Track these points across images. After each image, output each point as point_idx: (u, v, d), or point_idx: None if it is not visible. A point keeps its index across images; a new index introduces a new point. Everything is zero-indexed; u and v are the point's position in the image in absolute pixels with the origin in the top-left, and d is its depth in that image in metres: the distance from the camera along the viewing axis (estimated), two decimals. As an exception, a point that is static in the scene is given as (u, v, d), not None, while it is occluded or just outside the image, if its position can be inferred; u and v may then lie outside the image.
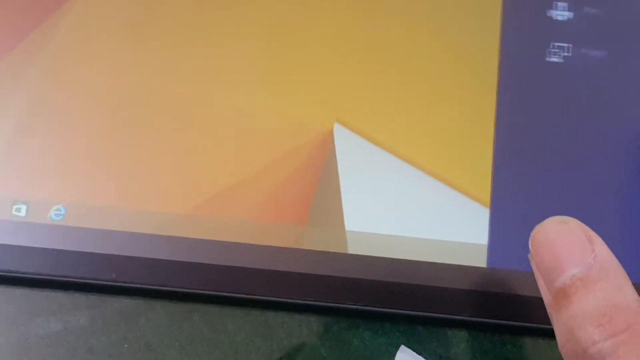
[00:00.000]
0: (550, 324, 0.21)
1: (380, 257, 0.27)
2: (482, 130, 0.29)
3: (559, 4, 0.30)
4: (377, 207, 0.28)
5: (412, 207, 0.28)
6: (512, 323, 0.27)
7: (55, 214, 0.28)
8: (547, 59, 0.29)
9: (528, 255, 0.21)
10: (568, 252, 0.20)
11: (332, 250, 0.28)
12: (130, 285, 0.28)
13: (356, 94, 0.29)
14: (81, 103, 0.29)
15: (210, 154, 0.29)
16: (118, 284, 0.27)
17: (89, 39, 0.30)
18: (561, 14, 0.29)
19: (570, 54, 0.29)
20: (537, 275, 0.21)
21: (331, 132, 0.29)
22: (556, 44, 0.29)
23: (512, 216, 0.28)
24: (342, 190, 0.28)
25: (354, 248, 0.28)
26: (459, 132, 0.29)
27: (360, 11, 0.30)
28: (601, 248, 0.20)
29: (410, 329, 0.28)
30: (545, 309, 0.21)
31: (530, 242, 0.21)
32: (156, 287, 0.28)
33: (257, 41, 0.30)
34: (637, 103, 0.29)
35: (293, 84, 0.29)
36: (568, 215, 0.21)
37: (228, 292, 0.27)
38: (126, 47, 0.30)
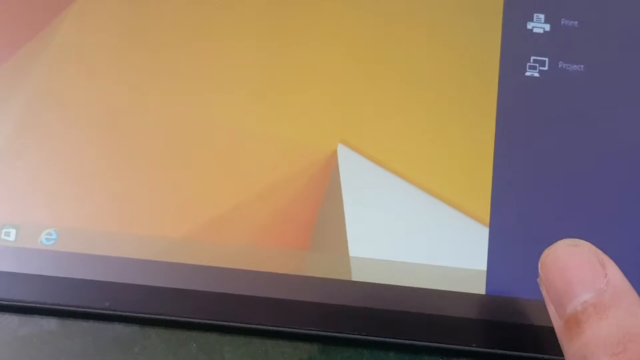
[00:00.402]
0: (554, 354, 0.20)
1: (383, 285, 0.26)
2: (483, 148, 0.28)
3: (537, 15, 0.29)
4: (382, 232, 0.27)
5: (415, 230, 0.27)
6: (515, 353, 0.26)
7: (47, 239, 0.27)
8: (525, 73, 0.28)
9: (537, 280, 0.21)
10: (579, 277, 0.20)
11: (335, 277, 0.26)
12: (125, 313, 0.26)
13: (361, 112, 0.28)
14: (73, 124, 0.28)
15: (207, 176, 0.28)
16: (112, 312, 0.26)
17: (81, 59, 0.29)
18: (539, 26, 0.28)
19: (582, 68, 0.28)
20: (547, 300, 0.20)
21: (335, 154, 0.28)
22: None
23: (512, 237, 0.27)
24: (345, 214, 0.27)
25: (358, 275, 0.27)
26: (461, 150, 0.28)
27: (365, 30, 0.29)
28: (614, 272, 0.20)
29: (415, 358, 0.27)
30: (549, 339, 0.20)
31: (539, 266, 0.21)
32: (152, 316, 0.26)
33: (257, 59, 0.29)
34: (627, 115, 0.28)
35: (294, 103, 0.28)
36: (573, 235, 0.21)
37: (226, 321, 0.26)
38: (120, 67, 0.29)
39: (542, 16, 0.29)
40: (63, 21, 0.29)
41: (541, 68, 0.29)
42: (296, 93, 0.28)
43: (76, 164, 0.28)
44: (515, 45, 0.29)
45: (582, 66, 0.28)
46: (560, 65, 0.28)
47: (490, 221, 0.27)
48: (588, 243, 0.20)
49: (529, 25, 0.29)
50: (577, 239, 0.21)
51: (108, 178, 0.27)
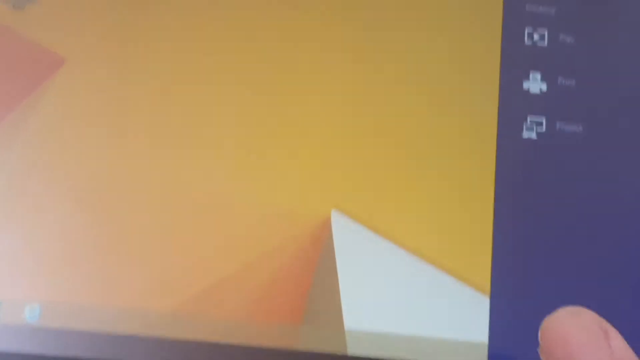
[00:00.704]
0: None
1: (381, 359, 0.25)
2: (482, 214, 0.27)
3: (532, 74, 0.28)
4: (378, 303, 0.26)
5: (413, 300, 0.26)
6: None
7: (30, 314, 0.26)
8: (523, 135, 0.28)
9: (537, 349, 0.20)
10: (581, 348, 0.19)
11: (331, 352, 0.25)
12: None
13: (355, 177, 0.27)
14: (56, 196, 0.27)
15: (194, 247, 0.27)
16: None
17: (64, 130, 0.28)
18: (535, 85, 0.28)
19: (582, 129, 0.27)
20: None
21: (328, 220, 0.27)
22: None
23: (514, 307, 0.26)
24: (340, 284, 0.26)
25: (354, 348, 0.25)
26: (460, 216, 0.27)
27: (359, 93, 0.28)
28: (618, 344, 0.19)
29: None
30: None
31: (540, 335, 0.20)
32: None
33: (247, 125, 0.28)
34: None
35: (285, 168, 0.27)
36: (577, 304, 0.20)
37: (217, 399, 0.25)
38: (105, 138, 0.28)
39: (538, 75, 0.28)
40: (46, 91, 0.29)
41: (538, 129, 0.28)
42: (287, 158, 0.28)
43: (58, 237, 0.27)
44: (511, 106, 0.28)
45: (580, 126, 0.28)
46: (558, 126, 0.28)
47: (490, 290, 0.26)
48: (590, 312, 0.20)
49: (525, 85, 0.28)
50: (579, 307, 0.20)
51: (90, 252, 0.27)
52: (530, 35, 0.28)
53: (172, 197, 0.27)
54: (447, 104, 0.28)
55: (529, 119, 0.28)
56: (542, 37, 0.28)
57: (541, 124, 0.28)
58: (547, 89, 0.28)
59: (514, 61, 0.28)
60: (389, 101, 0.28)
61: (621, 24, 0.28)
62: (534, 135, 0.28)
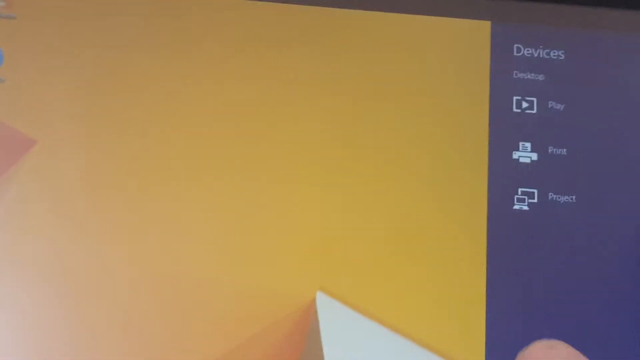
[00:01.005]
0: None
1: None
2: (475, 292, 0.26)
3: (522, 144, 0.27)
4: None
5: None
6: None
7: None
8: (514, 206, 0.27)
9: None
10: None
11: None
12: None
13: (341, 257, 0.26)
14: (26, 287, 0.26)
15: (177, 333, 0.25)
16: None
17: (35, 213, 0.27)
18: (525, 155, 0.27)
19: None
20: None
21: (313, 302, 0.25)
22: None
23: None
24: (328, 370, 0.25)
25: None
26: (451, 300, 0.26)
27: (346, 172, 0.27)
28: None
29: None
30: None
31: None
32: None
33: (229, 208, 0.27)
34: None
35: (268, 250, 0.26)
36: None
37: None
38: (78, 224, 0.26)
39: (528, 145, 0.27)
40: (16, 174, 0.27)
41: (530, 200, 0.27)
42: (270, 239, 0.26)
43: (32, 327, 0.25)
44: (502, 177, 0.27)
45: (573, 197, 0.27)
46: (550, 197, 0.27)
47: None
48: (565, 344, 0.19)
49: (515, 155, 0.27)
50: (553, 340, 0.19)
51: (63, 339, 0.25)
52: (519, 104, 0.28)
53: (153, 282, 0.26)
54: (436, 178, 0.27)
55: (519, 191, 0.27)
56: (531, 105, 0.28)
57: (533, 194, 0.27)
58: (538, 158, 0.27)
59: (503, 131, 0.27)
60: (377, 179, 0.27)
61: (610, 91, 0.28)
62: (525, 207, 0.27)
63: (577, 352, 0.19)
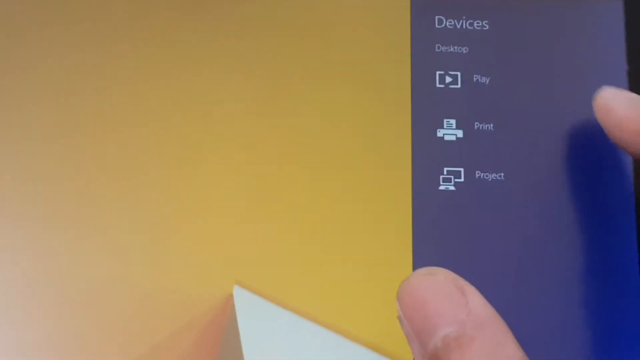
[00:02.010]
0: None
1: None
2: (400, 282, 0.25)
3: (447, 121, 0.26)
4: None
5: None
6: None
7: None
8: (440, 187, 0.26)
9: (397, 318, 0.19)
10: (437, 309, 0.18)
11: None
12: None
13: (258, 248, 0.25)
14: None
15: (83, 337, 0.24)
16: None
17: None
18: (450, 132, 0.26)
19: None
20: (409, 340, 0.19)
21: (230, 297, 0.24)
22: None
23: None
24: (247, 366, 0.24)
25: None
26: (374, 287, 0.24)
27: (257, 155, 0.26)
28: (475, 300, 0.19)
29: None
30: None
31: (397, 302, 0.19)
32: None
33: (136, 196, 0.25)
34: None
35: (181, 243, 0.25)
36: None
37: None
38: None
39: (453, 122, 0.26)
40: None
41: (456, 179, 0.26)
42: (184, 235, 0.25)
43: None
44: (426, 157, 0.26)
45: (501, 175, 0.26)
46: (477, 175, 0.26)
47: (413, 362, 0.24)
48: (446, 270, 0.19)
49: (440, 133, 0.26)
50: (433, 267, 0.19)
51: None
52: (442, 78, 0.26)
53: (59, 283, 0.24)
54: (356, 161, 0.26)
55: (445, 170, 0.26)
56: (454, 80, 0.26)
57: (459, 173, 0.26)
58: (464, 135, 0.26)
59: (426, 108, 0.26)
60: (293, 165, 0.26)
61: (537, 62, 0.27)
62: (452, 187, 0.26)
63: (457, 276, 0.19)
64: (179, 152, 0.26)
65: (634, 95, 0.23)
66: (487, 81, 0.26)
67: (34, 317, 0.24)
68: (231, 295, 0.24)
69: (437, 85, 0.26)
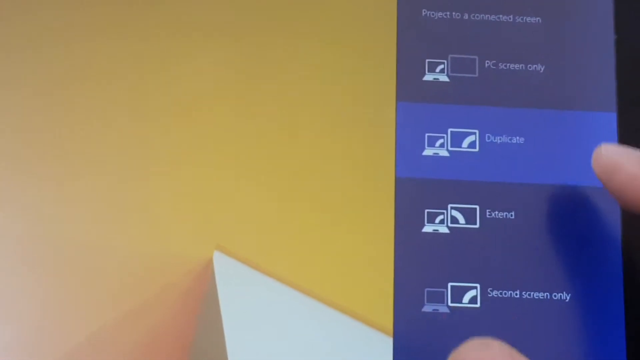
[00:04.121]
0: None
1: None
2: (381, 251, 0.25)
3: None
4: (270, 350, 0.23)
5: (308, 345, 0.24)
6: None
7: None
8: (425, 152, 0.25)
9: None
10: None
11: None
12: None
13: (238, 212, 0.25)
14: None
15: (61, 300, 0.23)
16: None
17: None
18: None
19: None
20: None
21: (210, 262, 0.24)
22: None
23: (419, 347, 0.24)
24: (226, 334, 0.23)
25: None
26: (355, 254, 0.24)
27: (238, 115, 0.25)
28: None
29: None
30: None
31: None
32: None
33: (117, 161, 0.25)
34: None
35: (159, 206, 0.24)
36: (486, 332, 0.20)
37: None
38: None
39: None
40: None
41: (440, 153, 0.25)
42: (162, 197, 0.24)
43: None
44: (411, 118, 0.26)
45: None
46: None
47: (394, 330, 0.24)
48: (500, 343, 0.19)
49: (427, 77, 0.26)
50: (487, 339, 0.19)
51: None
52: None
53: (41, 248, 0.24)
54: (339, 127, 0.25)
55: (426, 136, 0.25)
56: None
57: (443, 145, 0.26)
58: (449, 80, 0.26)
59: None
60: (275, 127, 0.25)
61: None
62: (445, 151, 0.25)
63: (512, 349, 0.19)
64: (161, 111, 0.25)
65: (636, 152, 0.22)
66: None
67: (16, 276, 0.24)
68: (211, 261, 0.24)
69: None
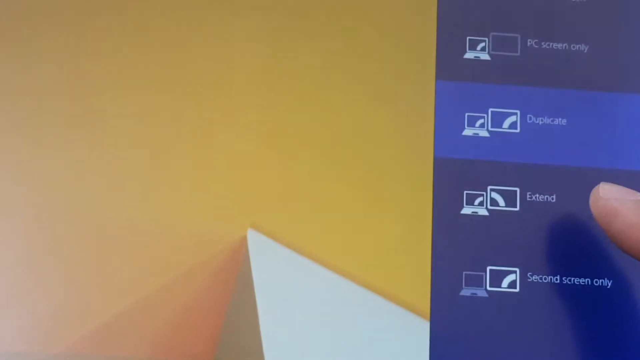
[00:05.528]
0: None
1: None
2: (419, 233, 0.24)
3: None
4: (304, 333, 0.23)
5: (344, 328, 0.23)
6: None
7: None
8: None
9: None
10: None
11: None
12: None
13: (274, 191, 0.24)
14: None
15: (92, 276, 0.23)
16: None
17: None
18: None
19: None
20: None
21: (244, 241, 0.23)
22: None
23: (455, 330, 0.23)
24: (260, 314, 0.23)
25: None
26: (392, 235, 0.24)
27: (273, 97, 0.25)
28: None
29: None
30: None
31: None
32: None
33: (152, 140, 0.24)
34: None
35: (195, 185, 0.24)
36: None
37: None
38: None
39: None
40: None
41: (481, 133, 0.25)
42: (198, 175, 0.24)
43: None
44: (450, 98, 0.25)
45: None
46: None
47: (431, 314, 0.23)
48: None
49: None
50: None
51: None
52: None
53: (72, 223, 0.23)
54: (376, 106, 0.25)
55: (466, 115, 0.25)
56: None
57: (483, 125, 0.25)
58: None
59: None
60: (311, 107, 0.25)
61: None
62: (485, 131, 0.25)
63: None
64: (198, 86, 0.24)
65: (633, 195, 0.21)
66: None
67: (47, 252, 0.23)
68: (245, 238, 0.23)
69: None
